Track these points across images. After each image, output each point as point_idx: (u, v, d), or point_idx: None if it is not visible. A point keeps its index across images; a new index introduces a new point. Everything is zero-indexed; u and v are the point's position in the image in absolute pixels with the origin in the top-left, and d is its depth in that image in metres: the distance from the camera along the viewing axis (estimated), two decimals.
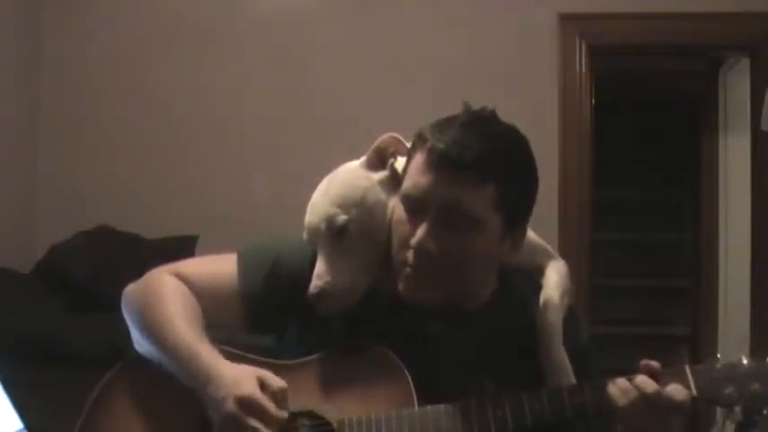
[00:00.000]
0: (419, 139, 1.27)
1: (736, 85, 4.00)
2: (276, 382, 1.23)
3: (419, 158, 1.26)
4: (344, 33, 3.30)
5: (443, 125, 1.26)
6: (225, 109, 3.29)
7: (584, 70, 3.25)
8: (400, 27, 3.28)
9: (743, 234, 3.45)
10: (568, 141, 3.23)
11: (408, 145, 1.31)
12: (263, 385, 1.22)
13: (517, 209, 1.29)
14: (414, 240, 1.24)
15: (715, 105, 4.31)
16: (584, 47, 3.24)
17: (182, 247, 2.76)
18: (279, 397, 1.22)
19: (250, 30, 3.31)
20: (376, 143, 1.34)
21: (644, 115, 5.17)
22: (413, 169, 1.27)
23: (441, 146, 1.22)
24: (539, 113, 3.18)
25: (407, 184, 1.27)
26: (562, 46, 3.24)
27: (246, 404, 1.19)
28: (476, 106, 1.32)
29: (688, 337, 4.78)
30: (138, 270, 1.41)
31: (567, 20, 3.23)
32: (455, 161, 1.21)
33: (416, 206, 1.25)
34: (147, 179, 3.28)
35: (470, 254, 1.26)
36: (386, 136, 1.33)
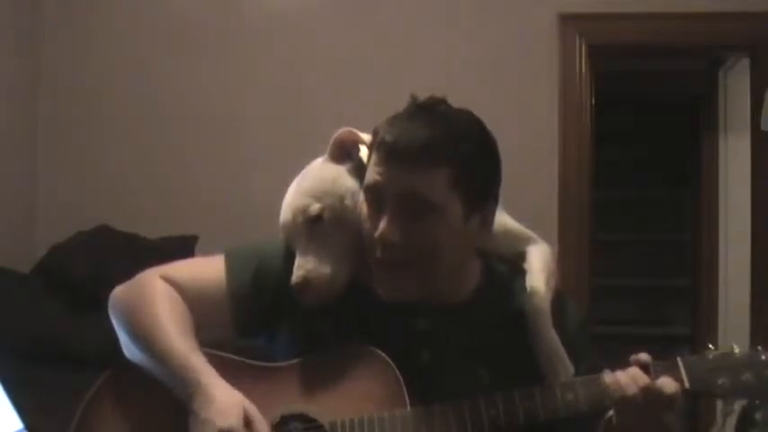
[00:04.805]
0: (374, 135, 1.31)
1: (736, 85, 4.00)
2: (260, 423, 1.22)
3: (374, 154, 1.29)
4: (344, 33, 3.30)
5: (393, 118, 1.31)
6: (225, 109, 3.28)
7: (584, 70, 3.24)
8: (400, 27, 3.28)
9: (743, 234, 3.45)
10: (568, 141, 3.22)
11: (363, 136, 1.35)
12: (247, 421, 1.21)
13: (476, 188, 1.29)
14: (377, 234, 1.25)
15: (715, 105, 4.31)
16: (584, 47, 3.23)
17: (182, 247, 2.76)
18: None
19: (250, 30, 3.31)
20: (334, 137, 1.38)
21: (644, 115, 5.16)
22: (370, 165, 1.30)
23: (389, 138, 1.26)
24: (539, 113, 3.18)
25: (366, 179, 1.30)
26: (562, 46, 3.23)
27: None
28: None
29: (688, 337, 4.78)
30: (138, 270, 1.41)
31: (567, 20, 3.22)
32: (403, 151, 1.24)
33: (375, 200, 1.28)
34: (147, 179, 3.27)
35: (435, 239, 1.27)
36: (342, 129, 1.37)
